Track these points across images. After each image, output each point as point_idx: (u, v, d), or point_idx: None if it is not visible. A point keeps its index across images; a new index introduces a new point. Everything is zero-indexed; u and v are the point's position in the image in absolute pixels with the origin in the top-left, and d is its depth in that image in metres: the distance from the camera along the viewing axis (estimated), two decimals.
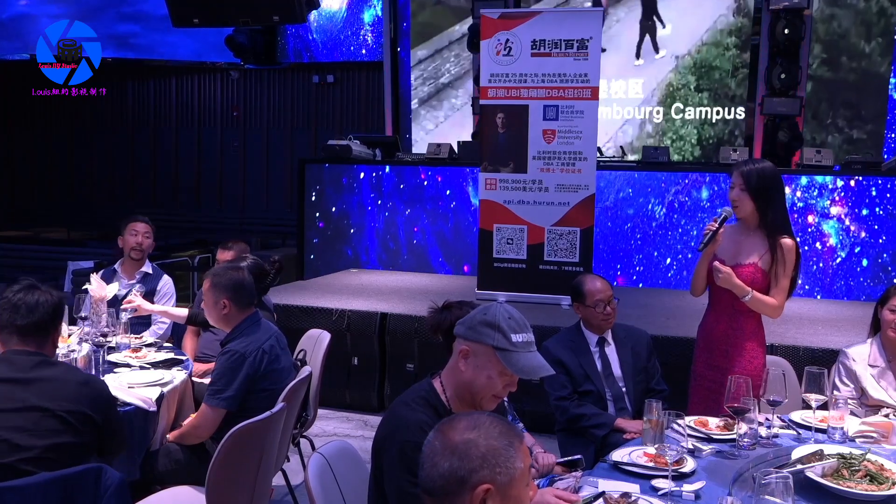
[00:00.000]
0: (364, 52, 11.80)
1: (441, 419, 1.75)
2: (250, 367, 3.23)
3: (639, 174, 7.30)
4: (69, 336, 3.71)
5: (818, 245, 6.80)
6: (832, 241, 6.76)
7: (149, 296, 4.68)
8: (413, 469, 1.86)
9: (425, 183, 7.90)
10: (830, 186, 6.76)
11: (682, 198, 7.14)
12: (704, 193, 7.00)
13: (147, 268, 4.77)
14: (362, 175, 8.06)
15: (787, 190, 6.80)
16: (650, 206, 7.22)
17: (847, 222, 6.72)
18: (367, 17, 11.73)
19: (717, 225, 3.31)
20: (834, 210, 6.74)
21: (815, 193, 6.80)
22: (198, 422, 3.26)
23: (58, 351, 3.41)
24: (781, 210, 3.38)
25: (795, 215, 6.78)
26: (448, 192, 7.83)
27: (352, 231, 8.16)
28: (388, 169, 8.01)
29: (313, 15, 11.04)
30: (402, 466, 2.02)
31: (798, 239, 3.45)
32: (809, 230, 6.79)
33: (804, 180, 6.83)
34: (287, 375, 3.40)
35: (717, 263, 3.30)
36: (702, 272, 3.43)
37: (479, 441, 1.57)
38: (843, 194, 6.73)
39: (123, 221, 4.83)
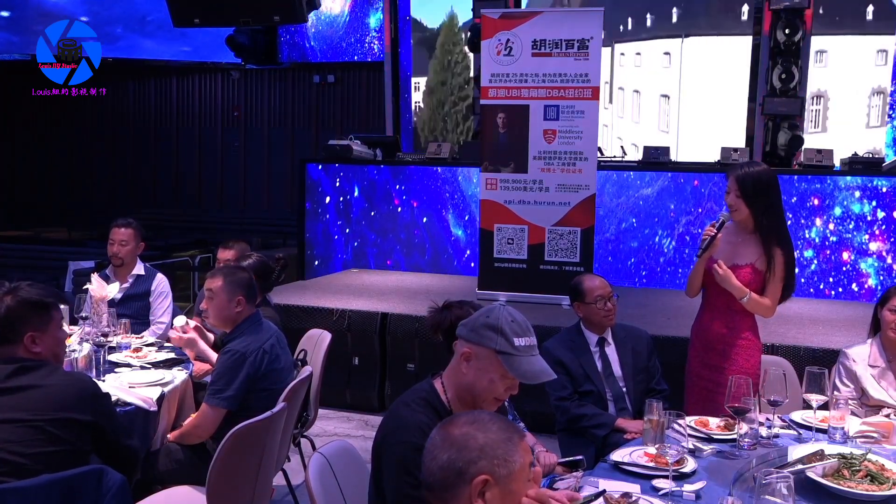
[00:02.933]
0: (369, 59, 11.67)
1: (441, 420, 1.75)
2: (251, 367, 3.24)
3: (644, 201, 6.99)
4: (70, 336, 3.71)
5: (854, 287, 6.43)
6: (871, 281, 6.46)
7: (144, 296, 4.69)
8: (412, 470, 1.85)
9: (399, 209, 7.38)
10: (870, 219, 6.43)
11: (695, 230, 6.73)
12: None
13: (139, 269, 4.76)
14: (328, 199, 7.60)
15: (819, 221, 6.54)
16: (657, 239, 6.86)
17: (889, 260, 6.37)
18: (373, 22, 11.40)
19: (715, 230, 3.32)
20: (874, 246, 6.44)
21: (850, 226, 6.44)
22: (198, 421, 3.27)
23: None
24: (777, 214, 3.39)
25: (828, 251, 6.44)
26: (425, 219, 7.35)
27: (316, 263, 7.64)
28: (357, 192, 7.55)
29: (312, 20, 10.98)
30: (400, 467, 2.02)
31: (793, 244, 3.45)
32: (844, 268, 6.49)
33: (838, 210, 6.43)
34: (287, 375, 3.41)
35: (716, 264, 3.31)
36: (698, 274, 3.45)
37: (478, 434, 1.58)
38: (884, 227, 6.39)
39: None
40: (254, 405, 3.16)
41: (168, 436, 3.34)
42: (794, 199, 6.61)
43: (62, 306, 3.73)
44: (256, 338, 3.32)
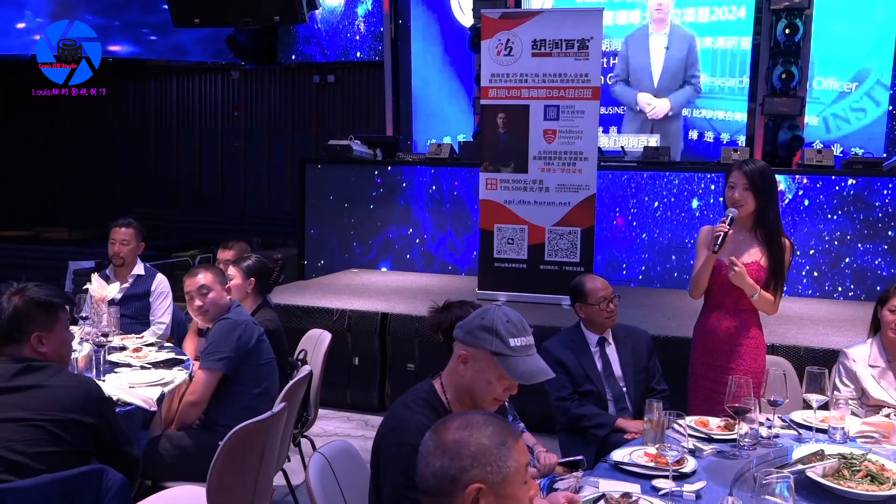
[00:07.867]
0: (369, 54, 11.60)
1: None
2: (242, 331, 3.41)
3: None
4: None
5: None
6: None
7: (144, 296, 4.70)
8: (409, 471, 1.86)
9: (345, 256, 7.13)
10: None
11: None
12: None
13: (139, 269, 4.77)
14: None
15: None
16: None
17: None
18: (361, 10, 11.37)
19: (727, 226, 3.32)
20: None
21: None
22: (193, 389, 3.37)
23: None
24: (777, 209, 3.45)
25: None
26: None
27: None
28: None
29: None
30: (398, 467, 2.02)
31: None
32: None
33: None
34: (272, 367, 3.54)
35: (733, 258, 3.31)
36: (705, 273, 3.43)
37: (470, 440, 1.57)
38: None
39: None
40: (243, 376, 3.38)
41: (171, 427, 3.37)
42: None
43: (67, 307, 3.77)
44: (242, 315, 3.58)
